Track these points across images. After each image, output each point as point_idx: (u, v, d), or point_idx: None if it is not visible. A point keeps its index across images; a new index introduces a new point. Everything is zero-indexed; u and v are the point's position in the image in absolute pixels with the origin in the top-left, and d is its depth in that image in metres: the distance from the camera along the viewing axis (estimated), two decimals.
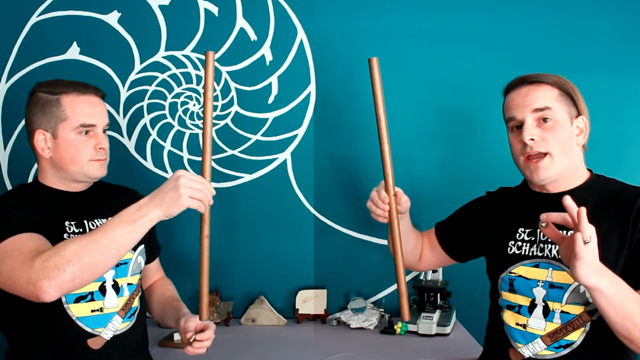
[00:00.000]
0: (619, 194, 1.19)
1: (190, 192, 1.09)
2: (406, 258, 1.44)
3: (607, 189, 1.22)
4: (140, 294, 1.40)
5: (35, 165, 1.97)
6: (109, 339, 1.30)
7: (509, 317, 1.26)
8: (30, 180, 1.98)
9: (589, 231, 1.01)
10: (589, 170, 1.27)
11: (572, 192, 1.21)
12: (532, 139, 1.19)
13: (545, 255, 1.21)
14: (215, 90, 2.02)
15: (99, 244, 1.06)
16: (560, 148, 1.19)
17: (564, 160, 1.20)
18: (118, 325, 1.32)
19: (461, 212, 1.48)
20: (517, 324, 1.24)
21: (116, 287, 1.32)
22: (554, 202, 1.23)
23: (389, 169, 1.27)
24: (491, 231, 1.35)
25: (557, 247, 1.20)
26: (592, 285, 1.03)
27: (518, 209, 1.31)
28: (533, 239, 1.25)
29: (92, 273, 1.06)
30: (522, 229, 1.27)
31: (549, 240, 1.21)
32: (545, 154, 1.19)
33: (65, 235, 1.27)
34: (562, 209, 1.22)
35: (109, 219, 1.11)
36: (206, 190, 1.12)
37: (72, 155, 1.28)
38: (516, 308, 1.24)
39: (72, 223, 1.30)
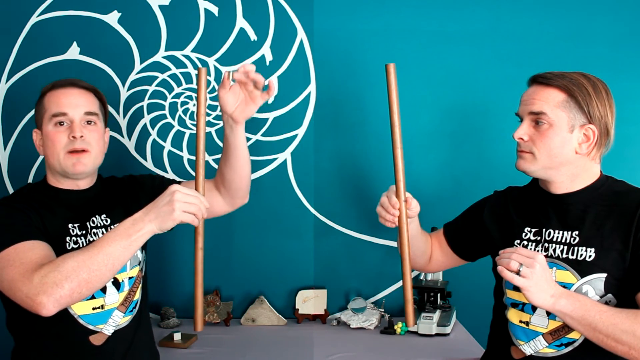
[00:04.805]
0: (624, 196, 1.19)
1: (184, 206, 1.11)
2: (417, 260, 1.45)
3: (613, 190, 1.22)
4: (141, 284, 1.41)
5: (35, 165, 1.99)
6: (110, 334, 1.31)
7: (513, 315, 1.27)
8: (30, 179, 1.98)
9: (511, 263, 1.11)
10: (600, 171, 1.26)
11: (576, 194, 1.23)
12: (522, 139, 1.23)
13: (549, 254, 1.21)
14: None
15: (96, 260, 1.08)
16: (547, 152, 1.20)
17: (547, 164, 1.21)
18: (119, 321, 1.33)
19: (468, 211, 1.48)
20: (520, 321, 1.25)
21: (117, 283, 1.32)
22: (560, 202, 1.24)
23: (401, 175, 1.27)
24: (498, 230, 1.35)
25: (562, 247, 1.20)
26: (547, 308, 1.12)
27: (525, 208, 1.31)
28: (539, 238, 1.25)
29: (89, 288, 1.09)
30: (529, 229, 1.27)
31: (554, 240, 1.22)
32: (530, 152, 1.22)
33: (68, 239, 1.28)
34: (567, 209, 1.23)
35: (106, 234, 1.13)
36: (200, 204, 1.14)
37: (50, 148, 1.29)
38: (520, 306, 1.25)
39: (76, 225, 1.30)
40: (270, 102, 2.02)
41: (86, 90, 1.34)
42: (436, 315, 1.86)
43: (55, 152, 1.29)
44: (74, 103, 1.30)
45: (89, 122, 1.32)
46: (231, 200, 1.49)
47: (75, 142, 1.28)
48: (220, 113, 2.01)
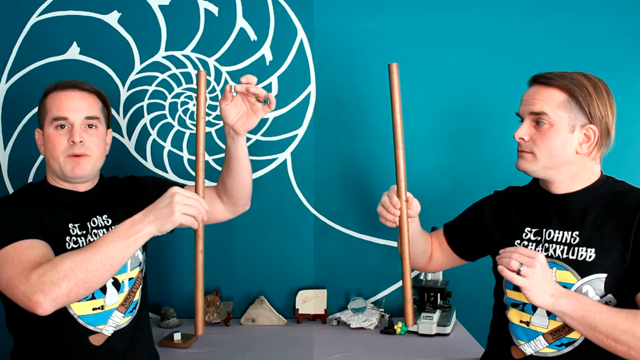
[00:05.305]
0: (624, 197, 1.19)
1: (184, 208, 1.11)
2: (417, 260, 1.45)
3: (613, 191, 1.22)
4: (141, 285, 1.41)
5: (35, 165, 1.98)
6: (110, 335, 1.31)
7: (513, 315, 1.27)
8: (30, 179, 1.98)
9: (512, 262, 1.11)
10: (601, 171, 1.26)
11: (577, 194, 1.23)
12: (522, 139, 1.23)
13: (550, 255, 1.21)
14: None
15: (94, 260, 1.08)
16: (547, 152, 1.20)
17: (548, 164, 1.21)
18: (119, 321, 1.33)
19: (468, 211, 1.48)
20: (520, 321, 1.25)
21: (117, 284, 1.32)
22: (560, 202, 1.24)
23: (402, 174, 1.27)
24: (498, 230, 1.35)
25: (562, 247, 1.21)
26: (547, 307, 1.12)
27: (526, 208, 1.32)
28: (539, 238, 1.25)
29: (87, 288, 1.09)
30: (529, 229, 1.27)
31: (555, 240, 1.22)
32: (531, 152, 1.22)
33: (68, 239, 1.28)
34: (567, 209, 1.23)
35: (105, 234, 1.13)
36: (200, 207, 1.14)
37: (50, 150, 1.30)
38: (520, 306, 1.25)
39: (76, 225, 1.31)
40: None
41: (88, 92, 1.34)
42: (436, 315, 1.86)
43: (55, 156, 1.29)
44: (75, 107, 1.30)
45: (89, 126, 1.32)
46: (233, 207, 1.50)
47: (74, 147, 1.29)
48: (220, 113, 2.02)
